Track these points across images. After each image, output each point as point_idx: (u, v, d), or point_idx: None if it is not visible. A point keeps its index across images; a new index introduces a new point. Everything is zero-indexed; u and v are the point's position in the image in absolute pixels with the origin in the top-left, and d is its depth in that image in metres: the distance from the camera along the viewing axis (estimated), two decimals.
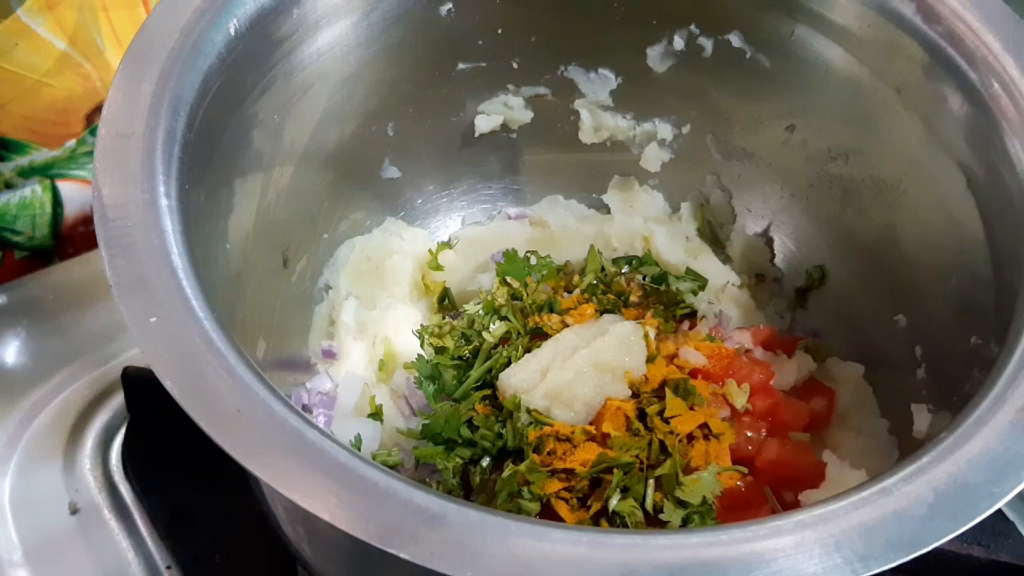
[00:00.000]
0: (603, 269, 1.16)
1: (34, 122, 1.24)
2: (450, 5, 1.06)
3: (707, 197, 1.26)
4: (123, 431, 1.13)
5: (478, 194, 1.28)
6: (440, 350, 1.08)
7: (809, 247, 1.20)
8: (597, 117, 1.22)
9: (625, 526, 0.89)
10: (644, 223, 1.24)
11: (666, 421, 0.96)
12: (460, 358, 1.07)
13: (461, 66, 1.14)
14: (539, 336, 1.06)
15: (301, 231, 1.08)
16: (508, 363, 1.03)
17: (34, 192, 1.29)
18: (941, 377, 0.97)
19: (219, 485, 0.95)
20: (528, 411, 0.96)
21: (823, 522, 0.62)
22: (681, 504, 0.91)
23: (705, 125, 1.21)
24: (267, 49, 0.91)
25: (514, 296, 1.12)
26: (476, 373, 1.04)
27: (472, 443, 0.98)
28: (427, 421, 1.00)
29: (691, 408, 0.98)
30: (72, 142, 1.29)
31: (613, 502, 0.89)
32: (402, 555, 0.58)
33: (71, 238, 1.36)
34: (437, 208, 1.27)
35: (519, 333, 1.07)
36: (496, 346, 1.06)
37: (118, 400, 1.15)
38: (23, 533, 1.04)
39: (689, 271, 1.18)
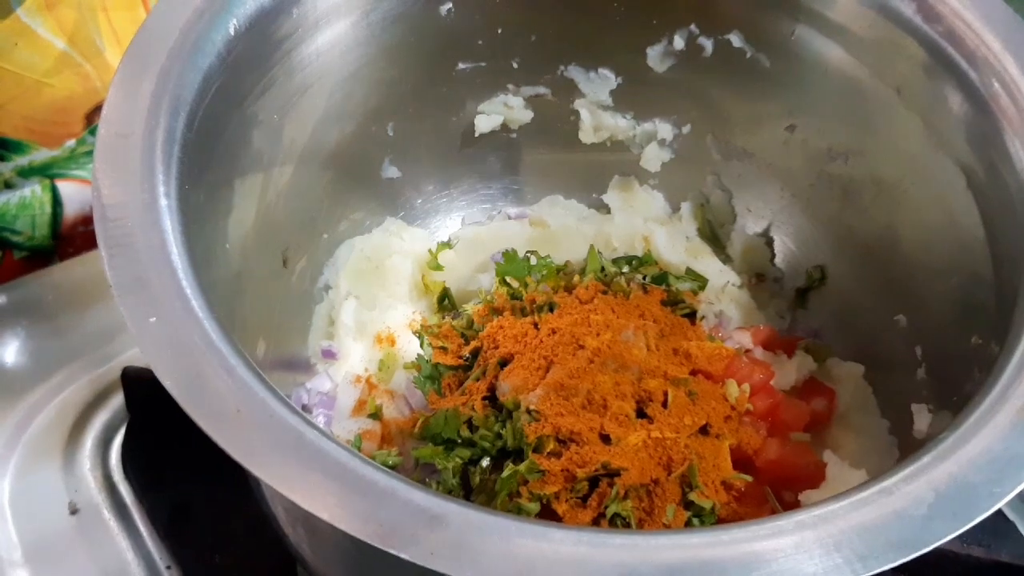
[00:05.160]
0: (603, 269, 1.16)
1: (34, 122, 1.24)
2: (450, 5, 1.06)
3: (707, 197, 1.26)
4: (123, 431, 1.13)
5: (478, 194, 1.28)
6: (440, 350, 1.08)
7: (809, 247, 1.20)
8: (597, 117, 1.22)
9: (627, 526, 0.89)
10: (644, 223, 1.24)
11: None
12: (460, 358, 1.07)
13: (461, 66, 1.14)
14: None
15: (301, 231, 1.08)
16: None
17: (34, 192, 1.29)
18: (941, 377, 0.97)
19: (219, 485, 0.95)
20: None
21: (823, 522, 0.62)
22: (686, 506, 0.91)
23: (705, 125, 1.21)
24: (267, 49, 0.91)
25: (514, 296, 1.12)
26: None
27: (472, 443, 0.98)
28: (427, 421, 1.00)
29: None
30: (72, 142, 1.29)
31: (614, 506, 0.89)
32: (402, 555, 0.58)
33: (71, 238, 1.36)
34: (437, 208, 1.27)
35: None
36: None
37: (118, 400, 1.15)
38: (23, 533, 1.04)
39: (689, 271, 1.18)
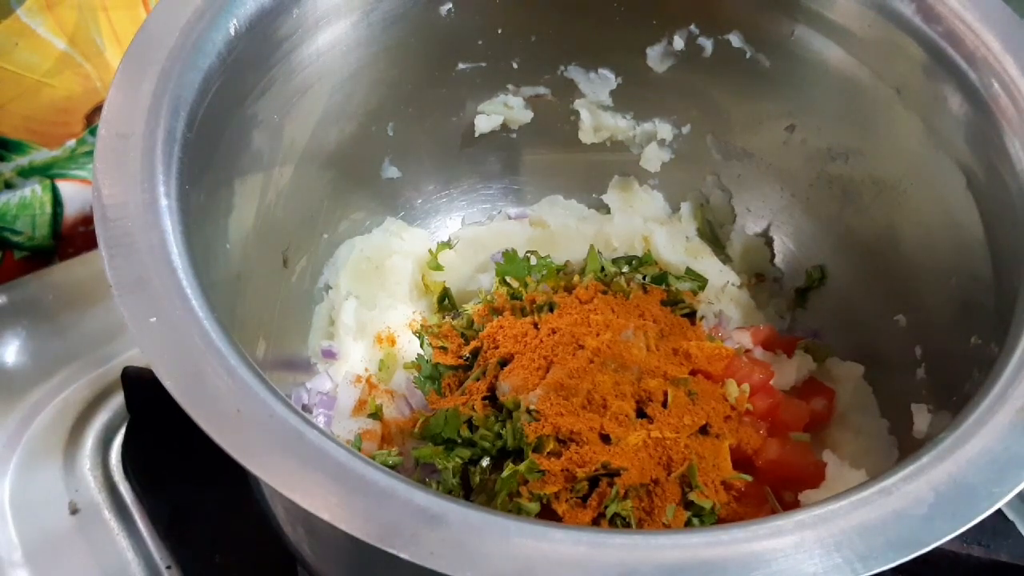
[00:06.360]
0: (603, 269, 1.16)
1: (34, 122, 1.24)
2: (450, 5, 1.06)
3: (707, 197, 1.26)
4: (123, 431, 1.13)
5: (478, 194, 1.28)
6: (440, 350, 1.08)
7: (809, 247, 1.20)
8: (597, 117, 1.22)
9: (627, 526, 0.89)
10: (644, 223, 1.24)
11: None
12: (460, 358, 1.07)
13: (461, 66, 1.14)
14: None
15: (301, 231, 1.08)
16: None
17: (34, 192, 1.29)
18: (941, 377, 0.97)
19: (219, 485, 0.95)
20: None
21: (823, 522, 0.62)
22: (686, 506, 0.91)
23: (705, 125, 1.21)
24: (267, 49, 0.91)
25: (514, 296, 1.12)
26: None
27: (472, 443, 0.98)
28: (427, 421, 1.00)
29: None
30: (72, 142, 1.29)
31: (614, 506, 0.89)
32: (402, 555, 0.58)
33: (71, 238, 1.36)
34: (437, 208, 1.27)
35: None
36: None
37: (118, 400, 1.15)
38: (23, 533, 1.04)
39: (689, 271, 1.18)
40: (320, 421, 1.04)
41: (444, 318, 1.17)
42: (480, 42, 1.12)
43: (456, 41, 1.11)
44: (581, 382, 0.97)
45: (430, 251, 1.22)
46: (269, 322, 1.02)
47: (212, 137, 0.83)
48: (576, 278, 1.15)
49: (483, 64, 1.14)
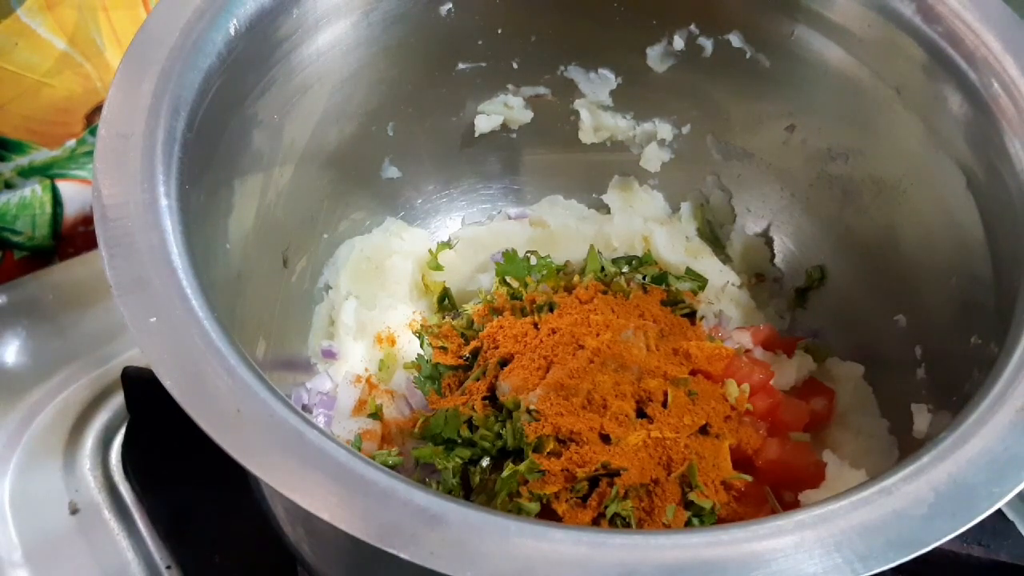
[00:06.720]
0: (603, 269, 1.16)
1: (34, 122, 1.24)
2: (450, 5, 1.06)
3: (707, 197, 1.26)
4: (123, 431, 1.13)
5: (478, 194, 1.28)
6: (440, 350, 1.08)
7: (809, 247, 1.20)
8: (597, 117, 1.22)
9: (627, 526, 0.89)
10: (644, 223, 1.24)
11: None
12: (460, 358, 1.07)
13: (461, 66, 1.14)
14: None
15: (301, 231, 1.08)
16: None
17: (34, 192, 1.29)
18: (941, 377, 0.97)
19: (219, 485, 0.95)
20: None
21: (823, 522, 0.62)
22: (686, 506, 0.91)
23: (705, 125, 1.21)
24: (267, 49, 0.91)
25: (514, 296, 1.12)
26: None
27: (472, 443, 0.98)
28: (427, 421, 1.00)
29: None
30: (72, 142, 1.29)
31: (614, 506, 0.89)
32: (402, 555, 0.58)
33: (71, 238, 1.36)
34: (437, 208, 1.27)
35: None
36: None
37: (118, 400, 1.15)
38: (23, 533, 1.04)
39: (689, 271, 1.18)
40: (320, 421, 1.04)
41: (444, 318, 1.17)
42: (480, 42, 1.13)
43: (456, 41, 1.11)
44: (581, 382, 0.97)
45: (430, 251, 1.22)
46: (269, 322, 1.02)
47: (212, 137, 0.83)
48: (576, 278, 1.15)
49: (483, 64, 1.15)
